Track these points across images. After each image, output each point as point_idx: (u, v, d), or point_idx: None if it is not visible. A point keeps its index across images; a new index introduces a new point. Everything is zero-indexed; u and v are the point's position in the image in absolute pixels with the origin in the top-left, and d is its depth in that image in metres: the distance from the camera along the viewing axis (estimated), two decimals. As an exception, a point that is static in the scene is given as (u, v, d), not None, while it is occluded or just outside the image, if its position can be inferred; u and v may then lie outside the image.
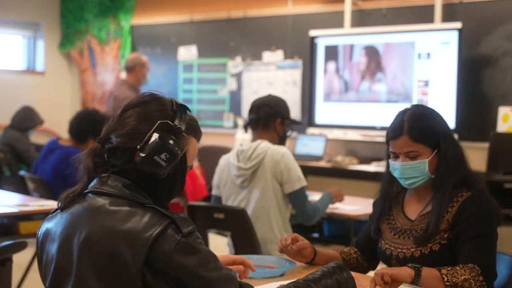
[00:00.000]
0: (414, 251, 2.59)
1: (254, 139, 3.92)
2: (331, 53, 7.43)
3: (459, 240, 2.52)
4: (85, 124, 5.04)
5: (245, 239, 3.69)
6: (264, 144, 3.82)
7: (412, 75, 6.83)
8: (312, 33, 7.55)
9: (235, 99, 8.50)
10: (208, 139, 7.73)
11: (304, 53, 7.75)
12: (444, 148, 2.58)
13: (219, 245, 4.30)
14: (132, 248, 1.77)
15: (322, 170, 7.04)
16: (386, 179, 2.75)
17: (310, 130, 7.54)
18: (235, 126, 8.33)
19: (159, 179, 1.91)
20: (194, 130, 2.03)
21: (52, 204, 4.02)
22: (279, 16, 8.08)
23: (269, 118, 3.89)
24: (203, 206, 3.81)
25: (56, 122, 10.30)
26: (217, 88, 8.73)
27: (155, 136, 1.88)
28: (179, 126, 1.92)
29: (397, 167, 2.63)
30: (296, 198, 3.76)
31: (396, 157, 2.64)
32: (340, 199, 4.14)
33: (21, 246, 3.19)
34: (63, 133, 10.10)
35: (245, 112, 7.96)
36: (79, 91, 10.37)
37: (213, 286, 1.80)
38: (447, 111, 6.51)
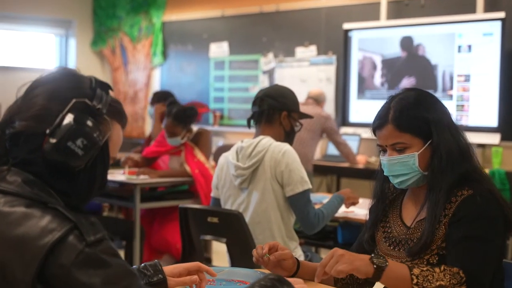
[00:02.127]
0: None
1: (256, 135, 3.49)
2: (366, 47, 6.96)
3: (449, 242, 2.07)
4: None
5: (241, 246, 3.27)
6: (265, 141, 3.39)
7: (452, 70, 6.31)
8: (346, 26, 7.10)
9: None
10: (238, 140, 7.35)
11: (339, 48, 7.30)
12: (437, 139, 2.12)
13: (223, 251, 3.89)
14: (23, 259, 1.41)
15: (355, 171, 6.58)
16: (379, 179, 2.31)
17: (344, 129, 7.08)
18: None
19: (73, 172, 1.55)
20: (119, 113, 1.68)
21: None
22: (312, 9, 7.65)
23: (274, 111, 3.46)
24: (195, 209, 3.40)
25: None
26: (249, 86, 8.34)
27: (69, 117, 1.52)
28: (99, 107, 1.57)
29: (384, 162, 2.19)
30: (297, 203, 3.32)
31: (384, 151, 2.20)
32: (354, 202, 3.67)
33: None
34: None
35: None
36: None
37: None
38: (489, 108, 5.98)
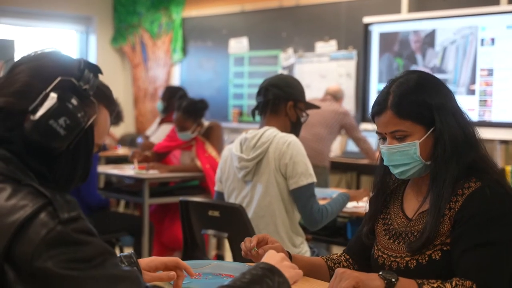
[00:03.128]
0: (409, 260, 1.98)
1: (261, 126, 3.36)
2: (387, 41, 6.78)
3: (457, 247, 1.89)
4: None
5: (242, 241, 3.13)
6: (270, 132, 3.26)
7: (474, 64, 6.11)
8: (366, 19, 6.93)
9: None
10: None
11: (359, 42, 7.13)
12: (440, 125, 1.95)
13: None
14: None
15: (375, 168, 6.38)
16: (380, 169, 2.15)
17: (364, 125, 6.91)
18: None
19: (53, 153, 1.45)
20: (107, 98, 1.59)
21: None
22: (332, 3, 7.49)
23: (279, 101, 3.32)
24: (196, 202, 3.27)
25: (108, 119, 9.99)
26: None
27: (53, 95, 1.43)
28: (86, 87, 1.48)
29: (383, 151, 2.04)
30: (301, 196, 3.17)
31: (384, 139, 2.04)
32: (360, 200, 3.54)
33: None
34: (116, 131, 9.82)
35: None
36: (131, 87, 10.04)
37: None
38: (512, 102, 5.77)
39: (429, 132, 1.97)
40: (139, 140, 7.20)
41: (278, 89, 3.31)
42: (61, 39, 9.89)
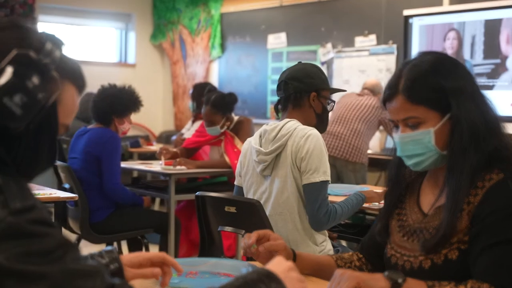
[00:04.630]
0: (423, 260, 1.80)
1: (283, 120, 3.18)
2: (427, 34, 6.54)
3: (476, 246, 1.70)
4: (102, 105, 4.55)
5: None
6: (291, 124, 3.08)
7: (519, 57, 5.84)
8: (406, 12, 6.70)
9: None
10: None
11: (400, 37, 6.90)
12: (457, 111, 1.76)
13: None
14: None
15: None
16: (394, 161, 1.96)
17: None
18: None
19: (11, 135, 1.31)
20: (73, 74, 1.43)
21: (45, 192, 3.48)
22: (372, -4, 7.28)
23: (301, 94, 3.14)
24: (212, 197, 3.12)
25: (148, 117, 9.95)
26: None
27: (8, 70, 1.28)
28: (47, 62, 1.33)
29: (396, 140, 1.86)
30: (309, 194, 2.97)
31: (397, 127, 1.86)
32: (375, 202, 3.35)
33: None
34: (156, 128, 9.76)
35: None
36: (170, 84, 9.96)
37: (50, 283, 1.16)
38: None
39: (445, 119, 1.78)
40: (173, 137, 7.10)
41: (298, 81, 3.14)
42: (101, 37, 9.87)
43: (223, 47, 9.12)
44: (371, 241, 2.05)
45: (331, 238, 3.32)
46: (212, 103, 4.89)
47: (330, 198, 3.57)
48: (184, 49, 9.66)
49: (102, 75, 9.26)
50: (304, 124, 3.09)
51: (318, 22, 7.85)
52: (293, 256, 1.97)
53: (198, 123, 6.25)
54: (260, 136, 3.13)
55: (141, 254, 1.71)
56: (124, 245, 4.90)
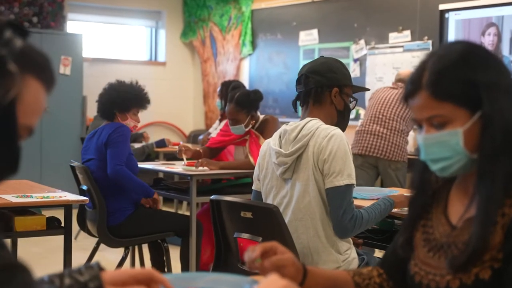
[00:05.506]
0: (451, 280, 1.57)
1: (303, 118, 2.98)
2: (464, 29, 6.26)
3: (511, 265, 1.47)
4: (104, 99, 4.45)
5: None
6: (313, 123, 2.87)
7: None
8: (442, 6, 6.43)
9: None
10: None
11: (435, 32, 6.63)
12: (490, 109, 1.52)
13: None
14: None
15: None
16: (419, 165, 1.73)
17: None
18: (357, 117, 7.32)
19: None
20: (38, 67, 1.24)
21: (55, 195, 3.32)
22: (407, -10, 7.02)
23: (322, 89, 2.94)
24: (227, 201, 2.93)
25: (179, 116, 9.81)
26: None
27: None
28: (3, 53, 1.15)
29: (419, 142, 1.63)
30: (333, 199, 2.77)
31: (421, 126, 1.63)
32: (405, 207, 3.11)
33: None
34: (187, 127, 9.61)
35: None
36: (201, 83, 9.80)
37: None
38: None
39: (475, 117, 1.55)
40: (200, 137, 6.94)
41: (320, 75, 2.93)
42: (131, 35, 9.75)
43: (253, 45, 8.93)
44: (393, 256, 1.82)
45: (356, 245, 3.10)
46: (236, 100, 4.70)
47: (357, 203, 3.38)
48: (214, 46, 9.50)
49: (133, 74, 9.12)
50: (324, 121, 2.89)
51: (350, 18, 7.62)
52: (304, 272, 1.76)
53: (225, 122, 6.08)
54: (280, 137, 2.93)
55: (126, 271, 1.51)
56: (146, 250, 4.74)
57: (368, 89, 3.23)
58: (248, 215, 2.82)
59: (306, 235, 2.83)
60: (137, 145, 6.54)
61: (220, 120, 6.39)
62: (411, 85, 1.62)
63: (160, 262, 4.50)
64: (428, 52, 1.68)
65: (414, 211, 1.76)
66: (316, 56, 8.00)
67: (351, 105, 3.00)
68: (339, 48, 7.78)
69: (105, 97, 4.44)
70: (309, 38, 8.16)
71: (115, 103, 4.37)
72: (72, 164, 4.49)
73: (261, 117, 4.88)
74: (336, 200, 2.74)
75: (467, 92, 1.55)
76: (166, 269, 4.43)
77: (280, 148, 2.90)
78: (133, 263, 4.88)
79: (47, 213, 3.39)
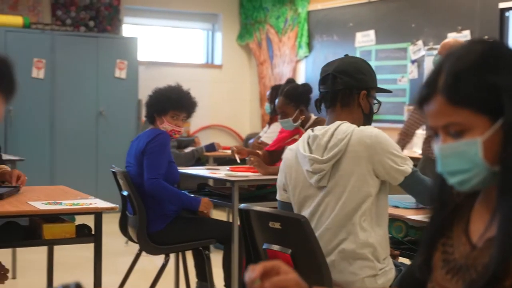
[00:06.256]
0: (470, 306, 1.41)
1: (330, 121, 2.83)
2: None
3: None
4: (147, 102, 4.42)
5: (308, 260, 2.63)
6: (346, 126, 2.73)
7: None
8: (502, 5, 6.16)
9: (416, 89, 7.27)
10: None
11: (495, 32, 6.36)
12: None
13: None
14: None
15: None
16: (439, 177, 1.57)
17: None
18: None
19: None
20: None
21: (85, 202, 3.25)
22: (466, -11, 6.76)
23: (351, 91, 2.80)
24: (255, 211, 2.80)
25: (235, 119, 9.74)
26: (397, 77, 7.57)
27: None
28: None
29: (436, 152, 1.47)
30: (414, 184, 2.69)
31: (438, 134, 1.47)
32: None
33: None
34: (243, 131, 9.53)
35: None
36: (257, 85, 9.70)
37: None
38: None
39: (496, 125, 1.38)
40: (251, 141, 6.83)
41: (349, 76, 2.78)
42: (187, 38, 9.73)
43: (310, 46, 8.79)
44: (411, 276, 1.67)
45: (393, 256, 2.93)
46: (285, 93, 4.65)
47: (399, 211, 3.23)
48: (271, 49, 9.39)
49: (188, 77, 9.15)
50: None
51: (408, 18, 7.40)
52: (310, 293, 1.61)
53: (274, 126, 5.98)
54: (309, 143, 2.79)
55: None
56: (189, 256, 4.65)
57: (391, 91, 3.07)
58: (277, 225, 2.69)
59: (348, 245, 2.68)
60: (187, 150, 6.48)
61: (269, 124, 6.28)
62: (426, 89, 1.46)
63: (204, 269, 4.41)
64: (447, 52, 1.51)
65: (433, 228, 1.60)
66: (373, 58, 7.81)
67: (375, 108, 2.86)
68: (396, 49, 7.57)
69: (148, 100, 4.39)
70: (365, 39, 7.97)
71: (153, 105, 4.31)
72: (113, 170, 4.43)
73: (314, 117, 4.74)
74: (418, 183, 2.69)
75: (487, 98, 1.38)
76: (208, 277, 4.33)
77: (311, 154, 2.75)
78: (177, 270, 4.80)
79: (82, 220, 3.33)
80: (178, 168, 4.53)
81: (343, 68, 2.81)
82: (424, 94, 1.46)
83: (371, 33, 7.87)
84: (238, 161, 4.82)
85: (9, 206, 3.09)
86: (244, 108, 9.83)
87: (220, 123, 9.65)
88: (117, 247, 6.16)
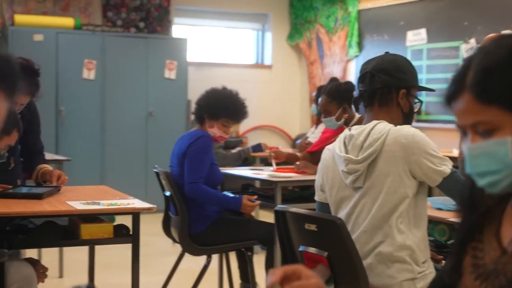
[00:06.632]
0: (498, 314, 1.33)
1: (368, 120, 2.76)
2: None
3: None
4: (199, 102, 4.35)
5: (344, 263, 2.56)
6: (382, 126, 2.66)
7: None
8: (558, 1, 5.96)
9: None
10: (439, 138, 6.48)
11: (551, 28, 6.16)
12: None
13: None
14: None
15: None
16: (468, 179, 1.49)
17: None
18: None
19: None
20: None
21: (123, 202, 3.24)
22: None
23: (389, 90, 2.72)
24: (292, 212, 2.74)
25: (285, 120, 9.69)
26: (449, 77, 7.37)
27: None
28: None
29: (464, 152, 1.39)
30: (453, 186, 2.59)
31: (466, 134, 1.40)
32: None
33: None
34: (293, 131, 9.48)
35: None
36: (307, 85, 9.63)
37: None
38: None
39: None
40: (298, 141, 6.78)
41: (388, 75, 2.70)
42: (236, 38, 9.72)
43: (360, 46, 8.68)
44: (440, 282, 1.59)
45: (435, 260, 2.84)
46: (327, 92, 4.59)
47: (443, 214, 3.14)
48: (321, 48, 9.30)
49: (238, 78, 9.15)
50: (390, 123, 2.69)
51: (460, 16, 7.23)
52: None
53: (321, 126, 5.91)
54: (345, 142, 2.72)
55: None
56: (233, 257, 4.62)
57: (434, 90, 2.97)
58: (313, 227, 2.63)
59: (385, 247, 2.61)
60: (234, 150, 6.46)
61: (316, 125, 6.21)
62: (453, 85, 1.39)
63: (247, 270, 4.37)
64: (476, 47, 1.44)
65: (464, 231, 1.52)
66: (424, 57, 7.67)
67: (415, 107, 2.77)
68: (448, 48, 7.40)
69: (201, 100, 4.35)
70: (417, 38, 7.82)
71: (207, 108, 4.25)
72: (156, 170, 4.43)
73: (358, 116, 4.66)
74: (457, 184, 2.58)
75: None
76: (250, 278, 4.29)
77: (347, 154, 2.69)
78: (220, 271, 4.77)
79: (123, 220, 3.32)
80: (223, 168, 4.50)
81: (382, 66, 2.73)
82: (452, 91, 1.39)
83: (423, 32, 7.73)
84: (274, 166, 4.75)
85: (48, 205, 3.11)
86: (294, 109, 9.78)
87: (269, 123, 9.61)
88: (165, 247, 6.17)
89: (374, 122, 2.69)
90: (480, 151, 1.35)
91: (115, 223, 3.21)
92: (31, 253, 5.04)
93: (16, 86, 1.15)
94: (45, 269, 3.21)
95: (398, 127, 2.65)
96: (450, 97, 1.40)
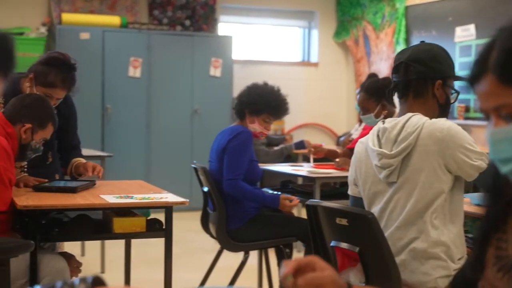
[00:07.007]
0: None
1: (402, 112, 2.68)
2: None
3: None
4: (241, 97, 4.31)
5: (376, 259, 2.49)
6: (417, 118, 2.58)
7: None
8: None
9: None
10: (487, 135, 6.33)
11: None
12: None
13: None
14: None
15: None
16: (493, 166, 1.42)
17: None
18: None
19: None
20: None
21: (156, 196, 3.22)
22: None
23: (424, 81, 2.63)
24: (323, 206, 2.68)
25: (331, 117, 9.60)
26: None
27: None
28: None
29: (487, 138, 1.32)
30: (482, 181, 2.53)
31: (489, 117, 1.32)
32: None
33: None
34: (340, 129, 9.39)
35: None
36: (354, 83, 9.52)
37: None
38: None
39: None
40: (342, 138, 6.69)
41: (423, 65, 2.62)
42: (282, 35, 9.67)
43: (408, 42, 8.53)
44: (463, 276, 1.52)
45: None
46: (366, 88, 4.49)
47: (472, 208, 3.04)
48: (368, 45, 9.19)
49: (283, 75, 9.10)
50: (426, 116, 2.60)
51: (510, 11, 7.03)
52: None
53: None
54: (378, 136, 2.65)
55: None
56: (272, 253, 4.57)
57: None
58: (344, 222, 2.56)
59: (419, 243, 2.54)
60: (276, 147, 6.42)
61: (360, 122, 6.13)
62: (476, 68, 1.32)
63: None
64: (499, 27, 1.36)
65: (487, 222, 1.45)
66: (473, 53, 7.49)
67: (452, 98, 2.68)
68: (497, 44, 7.22)
69: (242, 95, 4.31)
70: (465, 34, 7.65)
71: (249, 103, 4.22)
72: (194, 166, 4.41)
73: (397, 111, 4.58)
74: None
75: None
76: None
77: (380, 148, 2.62)
78: (260, 267, 4.73)
79: (158, 216, 3.31)
80: (262, 165, 4.46)
81: (417, 56, 2.64)
82: (474, 72, 1.32)
83: (471, 28, 7.55)
84: (311, 161, 4.70)
85: (81, 199, 3.11)
86: (340, 107, 9.68)
87: (315, 121, 9.54)
88: (205, 244, 6.16)
89: (409, 114, 2.61)
90: (503, 136, 1.28)
91: (149, 217, 3.20)
92: (75, 248, 5.10)
93: (11, 65, 1.13)
94: (79, 264, 3.21)
95: (433, 120, 2.57)
96: (473, 79, 1.33)
